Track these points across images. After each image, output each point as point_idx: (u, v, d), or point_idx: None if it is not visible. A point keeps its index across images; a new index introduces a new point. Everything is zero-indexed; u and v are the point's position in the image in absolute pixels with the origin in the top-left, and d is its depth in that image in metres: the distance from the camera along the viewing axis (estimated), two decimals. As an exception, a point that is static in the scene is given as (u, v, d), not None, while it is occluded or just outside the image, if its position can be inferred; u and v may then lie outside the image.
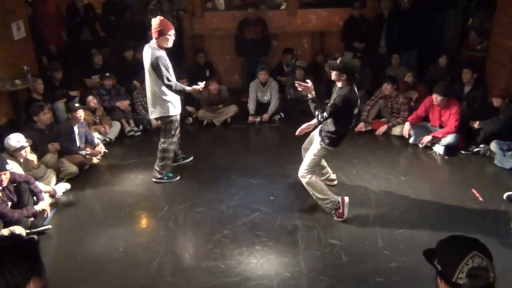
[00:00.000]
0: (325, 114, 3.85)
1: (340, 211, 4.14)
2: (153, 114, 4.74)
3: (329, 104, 3.96)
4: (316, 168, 4.21)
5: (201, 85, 4.65)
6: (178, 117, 4.83)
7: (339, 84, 3.95)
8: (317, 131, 4.25)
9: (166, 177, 4.98)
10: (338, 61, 3.93)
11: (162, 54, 4.45)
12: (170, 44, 4.51)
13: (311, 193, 4.17)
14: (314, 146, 4.13)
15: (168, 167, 4.99)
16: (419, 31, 7.07)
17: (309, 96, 3.97)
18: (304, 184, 4.15)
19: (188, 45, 8.17)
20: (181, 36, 7.99)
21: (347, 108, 3.90)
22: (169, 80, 4.46)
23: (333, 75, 3.94)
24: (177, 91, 4.58)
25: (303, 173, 4.12)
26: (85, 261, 3.74)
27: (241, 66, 8.01)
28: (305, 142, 4.55)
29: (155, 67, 4.42)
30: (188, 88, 4.65)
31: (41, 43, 7.13)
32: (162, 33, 4.40)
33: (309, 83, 3.99)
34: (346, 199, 4.15)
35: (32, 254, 1.46)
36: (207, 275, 3.51)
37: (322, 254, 3.76)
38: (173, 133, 4.82)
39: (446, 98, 5.52)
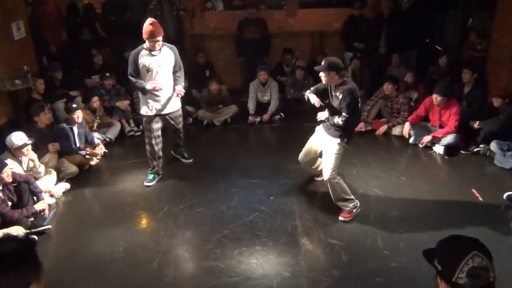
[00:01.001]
0: (344, 114, 3.86)
1: (354, 211, 4.17)
2: None
3: (341, 105, 3.91)
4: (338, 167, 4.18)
5: (158, 86, 4.57)
6: (151, 119, 4.78)
7: (334, 84, 3.95)
8: (322, 134, 4.21)
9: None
10: (322, 63, 3.92)
11: (137, 50, 4.57)
12: (154, 48, 4.53)
13: (335, 193, 4.12)
14: (330, 147, 4.06)
15: (152, 167, 5.02)
16: (419, 31, 7.07)
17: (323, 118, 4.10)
18: (333, 185, 4.09)
19: (188, 45, 8.17)
20: (181, 36, 8.00)
21: (357, 100, 3.96)
22: (131, 76, 4.60)
23: (324, 78, 3.93)
24: (137, 88, 4.73)
25: (332, 175, 4.04)
26: (85, 261, 3.74)
27: (241, 66, 8.01)
28: (305, 151, 4.51)
29: None
30: (148, 87, 4.57)
31: (41, 43, 7.13)
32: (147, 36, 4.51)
33: (316, 100, 4.09)
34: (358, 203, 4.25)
35: (30, 260, 1.42)
36: (207, 275, 3.51)
37: (322, 254, 3.77)
38: (146, 134, 4.87)
39: (446, 98, 5.52)
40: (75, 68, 7.68)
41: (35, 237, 3.99)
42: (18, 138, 4.49)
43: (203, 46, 8.10)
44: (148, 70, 4.55)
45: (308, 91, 4.21)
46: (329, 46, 8.09)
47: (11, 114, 6.06)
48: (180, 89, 4.76)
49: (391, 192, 4.68)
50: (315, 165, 4.70)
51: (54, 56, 7.28)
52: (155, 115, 4.76)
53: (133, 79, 4.61)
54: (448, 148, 5.51)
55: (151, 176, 5.00)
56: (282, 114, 6.91)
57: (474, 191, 4.63)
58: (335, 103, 3.99)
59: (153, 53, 4.54)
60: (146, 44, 4.55)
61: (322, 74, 3.95)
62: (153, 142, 4.87)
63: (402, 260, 3.62)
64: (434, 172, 5.37)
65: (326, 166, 4.08)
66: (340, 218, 4.16)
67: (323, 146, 4.19)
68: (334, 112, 4.01)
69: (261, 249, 3.80)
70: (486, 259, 1.49)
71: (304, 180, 4.94)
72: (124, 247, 3.90)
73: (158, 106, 4.72)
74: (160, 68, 4.60)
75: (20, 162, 4.61)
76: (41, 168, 4.74)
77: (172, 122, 4.97)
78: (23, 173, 4.52)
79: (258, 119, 6.74)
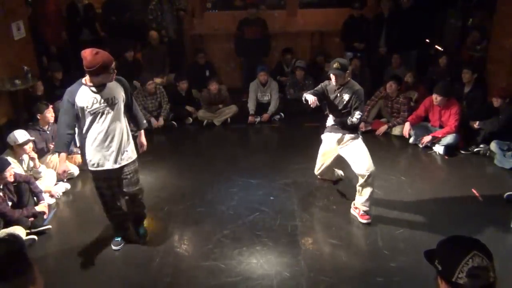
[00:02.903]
0: (359, 113, 3.93)
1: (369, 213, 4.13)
2: None
3: (353, 105, 3.97)
4: None
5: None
6: (97, 177, 3.58)
7: (342, 83, 3.97)
8: (335, 139, 4.20)
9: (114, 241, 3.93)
10: (336, 65, 3.91)
11: (73, 88, 3.43)
12: (107, 80, 3.36)
13: (368, 188, 4.02)
14: (355, 143, 4.09)
15: (116, 230, 3.95)
16: (419, 31, 7.07)
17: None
18: (372, 179, 4.00)
19: (188, 45, 8.17)
20: (181, 36, 8.01)
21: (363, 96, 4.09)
22: (63, 132, 3.44)
23: (341, 78, 3.95)
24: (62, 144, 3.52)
25: (372, 167, 3.98)
26: (85, 261, 3.74)
27: (241, 66, 8.02)
28: (322, 164, 4.51)
29: None
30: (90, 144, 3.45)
31: (41, 43, 7.13)
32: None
33: (312, 99, 4.02)
34: None
35: (22, 264, 1.39)
36: (207, 275, 3.51)
37: (322, 254, 3.77)
38: (99, 197, 3.72)
39: (446, 98, 5.53)
40: (75, 68, 7.68)
41: (35, 237, 4.00)
42: (21, 134, 4.50)
43: (203, 46, 8.10)
44: (93, 113, 3.33)
45: (306, 93, 4.17)
46: (329, 46, 8.11)
47: (11, 114, 6.07)
48: (143, 140, 3.89)
49: (391, 192, 4.68)
50: (335, 174, 4.83)
51: (54, 56, 7.28)
52: (103, 171, 3.52)
53: (64, 137, 3.39)
54: (448, 148, 5.51)
55: (118, 238, 3.92)
56: (282, 114, 6.91)
57: (474, 191, 4.63)
58: (340, 102, 4.02)
59: (94, 89, 3.33)
60: (87, 79, 3.34)
61: (336, 76, 3.93)
62: (109, 206, 3.77)
63: (402, 260, 3.62)
64: (434, 172, 5.37)
65: (365, 160, 4.01)
66: (364, 220, 4.09)
67: (344, 148, 4.16)
68: (339, 113, 4.06)
69: (261, 249, 3.80)
70: (486, 259, 1.49)
71: (304, 180, 4.94)
72: (124, 247, 3.90)
73: (104, 159, 3.47)
74: (107, 108, 3.37)
75: (20, 162, 4.62)
76: (41, 168, 4.74)
77: (125, 180, 3.63)
78: (23, 172, 4.52)
79: (258, 119, 6.74)
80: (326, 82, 4.14)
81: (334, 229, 4.07)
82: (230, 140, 6.45)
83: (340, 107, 4.04)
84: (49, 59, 7.22)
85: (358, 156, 4.06)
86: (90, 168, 3.52)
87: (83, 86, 3.35)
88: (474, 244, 1.54)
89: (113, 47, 7.98)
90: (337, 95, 4.03)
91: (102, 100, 3.35)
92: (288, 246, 3.84)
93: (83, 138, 3.45)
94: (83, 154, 3.53)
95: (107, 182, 3.61)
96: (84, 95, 3.32)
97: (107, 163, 3.48)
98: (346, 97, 3.97)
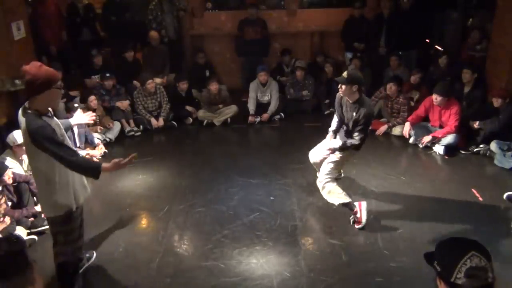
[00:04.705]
0: (357, 134, 3.91)
1: (358, 215, 4.06)
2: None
3: (355, 127, 3.93)
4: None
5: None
6: (74, 214, 3.10)
7: (351, 99, 3.93)
8: (332, 142, 4.25)
9: None
10: (343, 74, 3.90)
11: (40, 120, 2.77)
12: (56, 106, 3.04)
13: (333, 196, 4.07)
14: (335, 155, 4.12)
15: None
16: (419, 31, 7.07)
17: (337, 147, 4.07)
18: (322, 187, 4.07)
19: (188, 45, 8.18)
20: (181, 36, 8.01)
21: (372, 119, 4.05)
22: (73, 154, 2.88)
23: (344, 90, 3.89)
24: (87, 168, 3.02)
25: (324, 178, 4.03)
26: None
27: (241, 66, 8.02)
28: (318, 158, 4.54)
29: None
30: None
31: (41, 43, 7.13)
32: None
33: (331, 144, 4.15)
34: (364, 204, 4.10)
35: (22, 264, 1.40)
36: (207, 275, 3.52)
37: (322, 254, 3.77)
38: (66, 238, 3.13)
39: (446, 98, 5.53)
40: (75, 68, 7.68)
41: (35, 237, 4.00)
42: (21, 134, 4.48)
43: (203, 46, 8.10)
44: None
45: (330, 129, 4.31)
46: (329, 46, 8.11)
47: (11, 114, 6.06)
48: None
49: (391, 192, 4.68)
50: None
51: (54, 56, 7.28)
52: (77, 207, 3.11)
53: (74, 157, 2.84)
54: (448, 148, 5.51)
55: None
56: (282, 114, 6.91)
57: (474, 191, 4.63)
58: (349, 116, 4.01)
59: (50, 114, 2.91)
60: (39, 109, 2.78)
61: (344, 87, 3.89)
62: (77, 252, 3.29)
63: (402, 260, 3.62)
64: (434, 172, 5.36)
65: (328, 168, 4.08)
66: (356, 226, 4.09)
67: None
68: (349, 134, 4.06)
69: (261, 249, 3.80)
70: (485, 259, 1.50)
71: (304, 180, 4.94)
72: (124, 247, 3.90)
73: (83, 188, 3.18)
74: (65, 134, 3.00)
75: (20, 162, 4.61)
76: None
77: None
78: (23, 173, 4.52)
79: (258, 119, 6.74)
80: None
81: (334, 229, 4.07)
82: (230, 140, 6.45)
83: (347, 121, 4.04)
84: (49, 59, 7.21)
85: (327, 162, 4.13)
86: (71, 209, 3.00)
87: (44, 117, 2.79)
88: (472, 244, 1.55)
89: (113, 47, 8.02)
90: (348, 108, 4.02)
91: (61, 125, 2.96)
92: (288, 246, 3.84)
93: (54, 177, 2.88)
94: (57, 198, 2.91)
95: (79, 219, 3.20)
96: (53, 126, 2.82)
97: (87, 191, 3.21)
98: (354, 114, 3.92)
